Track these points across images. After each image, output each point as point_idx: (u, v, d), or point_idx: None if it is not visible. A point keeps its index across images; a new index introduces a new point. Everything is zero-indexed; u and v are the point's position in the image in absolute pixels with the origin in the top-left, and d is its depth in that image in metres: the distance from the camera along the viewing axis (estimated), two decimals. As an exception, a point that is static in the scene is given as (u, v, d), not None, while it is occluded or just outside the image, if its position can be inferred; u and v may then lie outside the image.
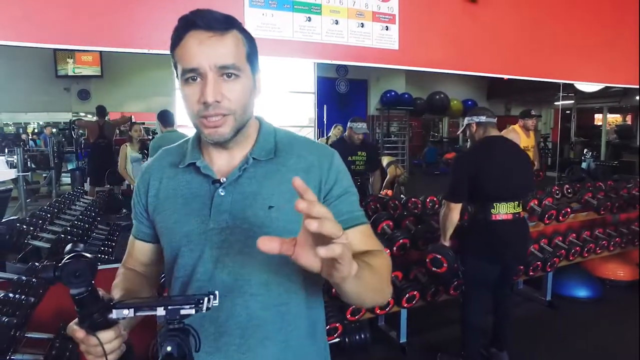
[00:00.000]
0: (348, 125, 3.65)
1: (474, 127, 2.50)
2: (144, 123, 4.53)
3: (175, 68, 0.78)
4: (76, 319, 0.66)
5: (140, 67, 5.84)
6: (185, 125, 3.92)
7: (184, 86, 0.76)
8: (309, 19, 2.34)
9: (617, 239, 3.68)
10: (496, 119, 2.55)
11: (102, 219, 3.75)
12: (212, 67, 0.73)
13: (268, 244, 0.56)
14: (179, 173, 0.86)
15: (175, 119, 3.71)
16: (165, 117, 3.58)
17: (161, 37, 2.04)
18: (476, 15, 3.04)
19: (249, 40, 0.80)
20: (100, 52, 4.29)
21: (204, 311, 0.61)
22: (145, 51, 2.08)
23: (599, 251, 3.59)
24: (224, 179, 0.81)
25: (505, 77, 3.49)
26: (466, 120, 2.57)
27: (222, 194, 0.81)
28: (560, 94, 4.66)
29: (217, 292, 0.64)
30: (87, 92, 5.97)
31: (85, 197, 3.96)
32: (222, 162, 0.85)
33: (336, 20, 2.41)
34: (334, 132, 4.66)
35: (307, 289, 0.84)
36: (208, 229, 0.80)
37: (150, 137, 6.60)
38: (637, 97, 7.06)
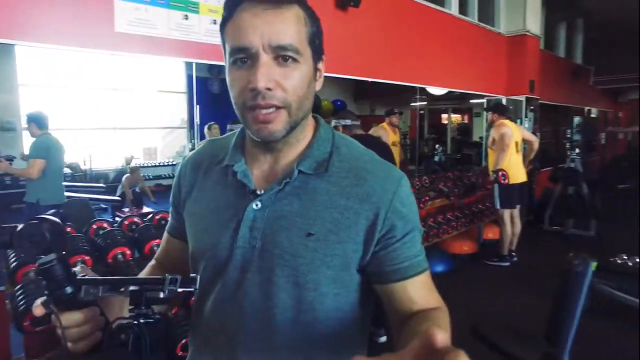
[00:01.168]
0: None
1: (340, 129, 2.80)
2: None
3: (224, 49, 0.65)
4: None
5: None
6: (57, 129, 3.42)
7: (231, 70, 0.63)
8: (186, 17, 2.26)
9: (462, 220, 4.37)
10: (359, 121, 2.87)
11: None
12: (266, 46, 0.60)
13: None
14: (217, 172, 0.73)
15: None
16: (40, 120, 3.19)
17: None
18: (346, 22, 3.30)
19: (313, 19, 0.66)
20: None
21: (165, 294, 0.54)
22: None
23: (450, 231, 4.22)
24: (262, 191, 0.68)
25: (370, 80, 3.86)
26: (333, 123, 2.86)
27: (257, 207, 0.67)
28: (418, 96, 5.32)
29: (197, 277, 0.56)
30: None
31: None
32: (265, 167, 0.71)
33: (214, 20, 2.38)
34: (213, 132, 4.46)
35: (344, 336, 0.71)
36: (235, 246, 0.68)
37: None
38: (473, 101, 8.43)
